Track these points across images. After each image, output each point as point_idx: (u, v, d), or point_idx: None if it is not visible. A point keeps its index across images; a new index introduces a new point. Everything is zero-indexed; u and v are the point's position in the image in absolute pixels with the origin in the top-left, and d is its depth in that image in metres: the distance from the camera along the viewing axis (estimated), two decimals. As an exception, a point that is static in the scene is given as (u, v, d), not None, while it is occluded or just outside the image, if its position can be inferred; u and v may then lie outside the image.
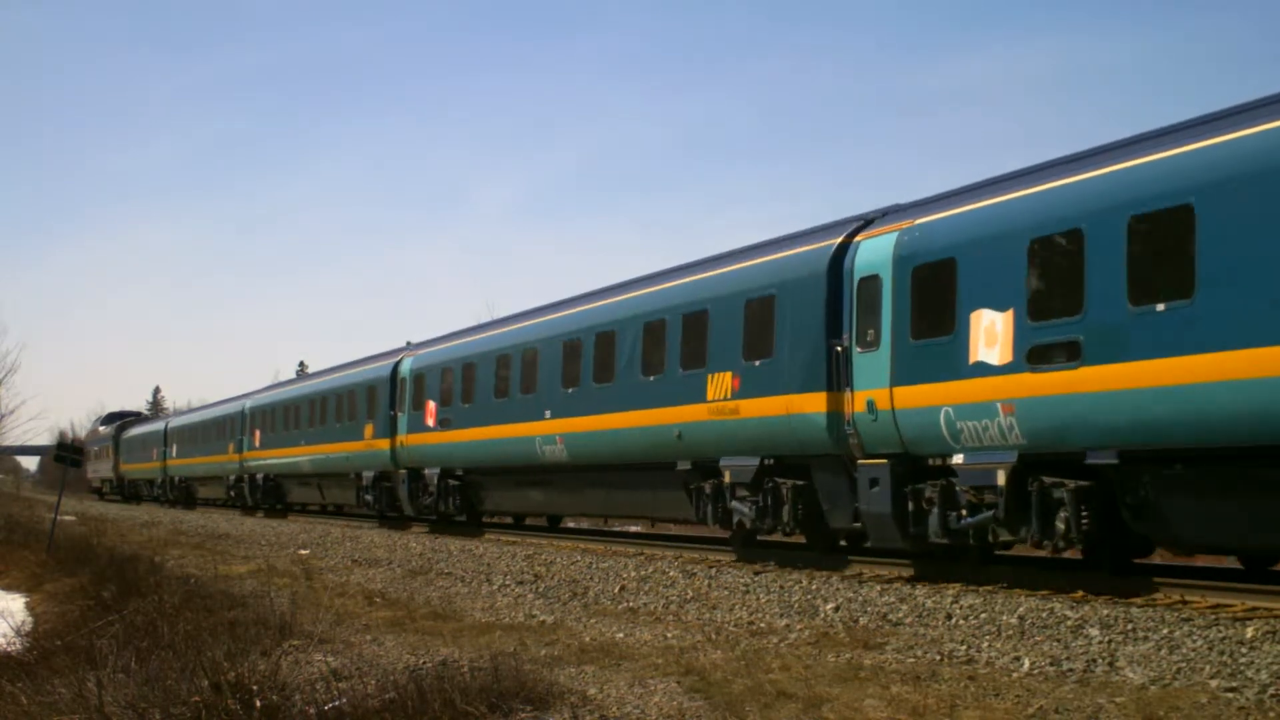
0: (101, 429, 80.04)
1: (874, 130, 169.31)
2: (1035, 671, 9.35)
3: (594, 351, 21.25)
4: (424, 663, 10.40)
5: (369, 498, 32.63)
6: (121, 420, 75.41)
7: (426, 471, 28.85)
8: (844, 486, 16.00)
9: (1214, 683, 8.58)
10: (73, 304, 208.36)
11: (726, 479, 17.87)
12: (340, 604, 15.43)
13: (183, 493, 57.42)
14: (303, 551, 24.85)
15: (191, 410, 66.13)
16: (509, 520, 31.08)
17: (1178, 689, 8.52)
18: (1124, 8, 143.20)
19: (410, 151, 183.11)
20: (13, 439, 69.66)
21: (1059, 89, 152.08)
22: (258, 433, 44.00)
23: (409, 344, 32.56)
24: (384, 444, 30.82)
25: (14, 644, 14.20)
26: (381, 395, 31.08)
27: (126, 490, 70.70)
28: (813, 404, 16.03)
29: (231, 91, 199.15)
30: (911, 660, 10.04)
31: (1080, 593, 12.87)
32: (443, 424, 27.50)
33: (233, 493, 47.45)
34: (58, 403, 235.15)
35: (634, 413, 19.81)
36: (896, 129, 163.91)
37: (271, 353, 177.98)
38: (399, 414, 29.98)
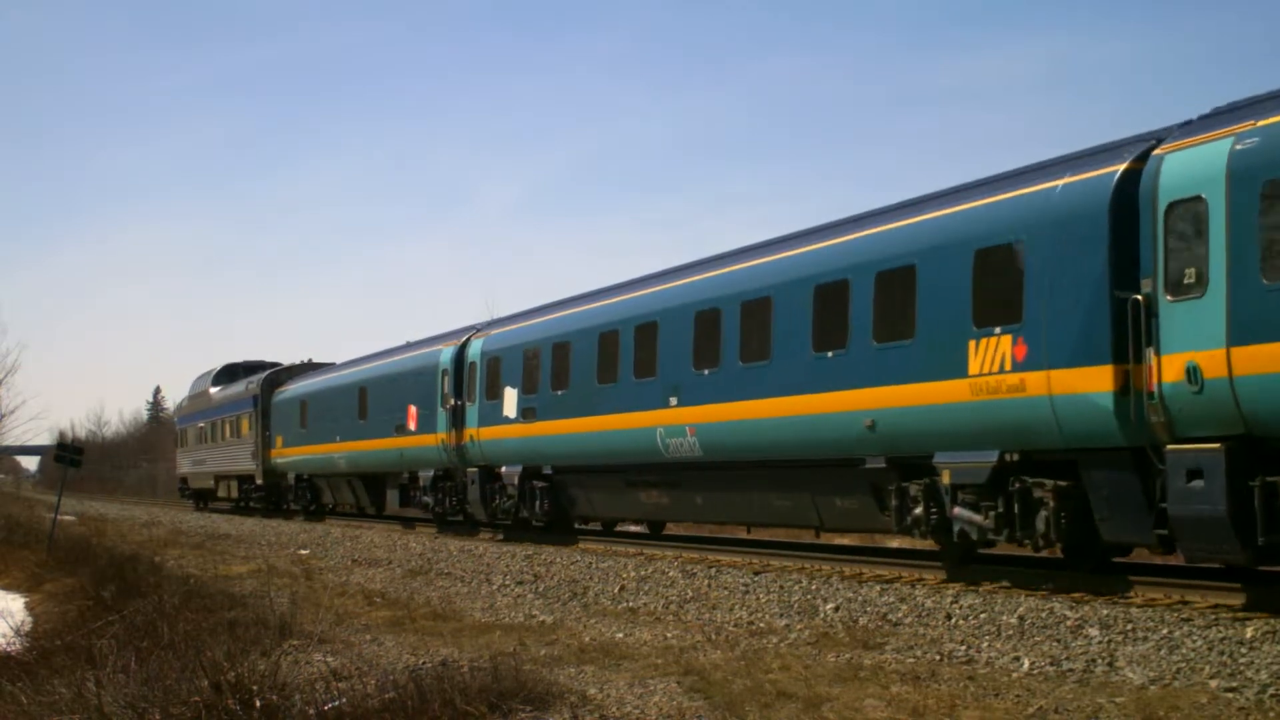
0: (214, 391, 45.97)
1: (875, 129, 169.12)
2: (1035, 671, 9.35)
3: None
4: (424, 663, 10.41)
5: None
6: (271, 372, 41.00)
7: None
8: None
9: (1214, 683, 8.58)
10: (73, 304, 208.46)
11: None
12: (340, 604, 15.44)
13: (555, 506, 23.31)
14: (302, 551, 24.88)
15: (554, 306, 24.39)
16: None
17: (1178, 689, 8.52)
18: (1124, 7, 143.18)
19: (411, 150, 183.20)
20: (13, 439, 66.95)
21: (1059, 88, 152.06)
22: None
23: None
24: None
25: (14, 644, 14.21)
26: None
27: (289, 496, 38.77)
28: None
29: (232, 91, 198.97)
30: (911, 660, 10.05)
31: (1080, 593, 12.87)
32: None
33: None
34: (58, 403, 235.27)
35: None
36: (897, 128, 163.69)
37: (272, 353, 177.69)
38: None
